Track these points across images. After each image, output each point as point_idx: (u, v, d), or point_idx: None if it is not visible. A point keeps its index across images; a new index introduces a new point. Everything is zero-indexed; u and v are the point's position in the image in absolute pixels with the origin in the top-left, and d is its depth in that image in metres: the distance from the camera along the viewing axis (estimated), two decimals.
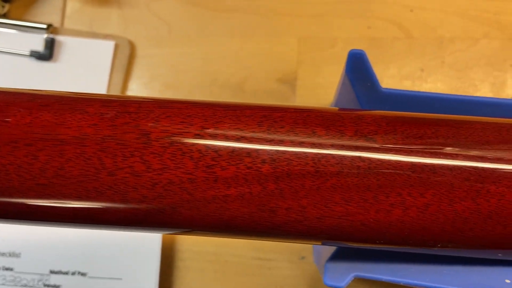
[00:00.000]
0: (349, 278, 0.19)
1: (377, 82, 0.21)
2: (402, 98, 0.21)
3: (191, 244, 0.39)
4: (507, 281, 0.19)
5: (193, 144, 0.17)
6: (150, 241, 0.38)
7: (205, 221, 0.17)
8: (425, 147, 0.18)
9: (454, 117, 0.19)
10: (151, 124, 0.16)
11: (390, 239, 0.18)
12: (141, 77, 0.43)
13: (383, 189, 0.17)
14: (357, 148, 0.17)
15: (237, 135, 0.17)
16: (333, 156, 0.17)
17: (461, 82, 0.37)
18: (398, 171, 0.17)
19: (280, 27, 0.41)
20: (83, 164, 0.16)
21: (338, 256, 0.20)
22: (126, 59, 0.44)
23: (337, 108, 0.20)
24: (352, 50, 0.21)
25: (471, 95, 0.36)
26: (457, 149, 0.18)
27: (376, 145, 0.17)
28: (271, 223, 0.17)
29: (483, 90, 0.37)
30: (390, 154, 0.17)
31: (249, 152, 0.17)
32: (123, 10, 0.45)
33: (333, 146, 0.17)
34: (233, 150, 0.17)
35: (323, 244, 0.20)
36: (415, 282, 0.19)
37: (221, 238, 0.40)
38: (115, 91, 0.43)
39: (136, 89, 0.43)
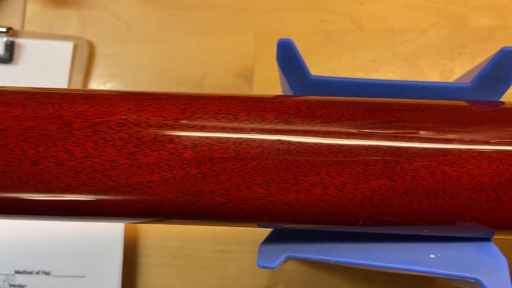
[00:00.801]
0: (281, 259, 0.20)
1: (306, 70, 0.22)
2: (331, 85, 0.22)
3: (154, 240, 0.40)
4: (432, 256, 0.20)
5: (116, 132, 0.17)
6: (112, 238, 0.39)
7: (132, 207, 0.18)
8: (341, 128, 0.18)
9: (372, 99, 0.20)
10: (74, 114, 0.17)
11: (314, 218, 0.18)
12: (101, 76, 0.43)
13: (302, 170, 0.18)
14: (277, 132, 0.18)
15: (159, 122, 0.18)
16: (254, 140, 0.18)
17: (411, 72, 0.38)
18: (316, 152, 0.18)
19: (236, 23, 0.42)
20: (7, 155, 0.16)
21: (272, 239, 0.21)
22: (85, 59, 0.44)
23: (272, 95, 0.21)
24: (280, 39, 0.22)
25: None
26: (372, 129, 0.18)
27: (295, 128, 0.18)
28: (196, 206, 0.18)
29: (433, 79, 0.38)
30: (308, 136, 0.18)
31: (171, 138, 0.17)
32: (82, 11, 0.45)
33: (254, 130, 0.18)
34: (156, 137, 0.17)
35: (258, 226, 0.21)
36: (344, 259, 0.20)
37: (183, 232, 0.41)
38: None
39: (97, 88, 0.43)
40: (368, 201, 0.18)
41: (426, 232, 0.20)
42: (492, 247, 0.20)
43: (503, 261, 0.19)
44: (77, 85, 0.43)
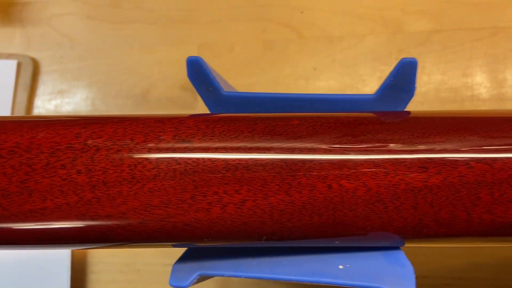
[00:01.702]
0: (193, 277, 0.20)
1: (218, 86, 0.22)
2: (245, 100, 0.22)
3: (102, 256, 0.40)
4: (341, 266, 0.20)
5: (7, 161, 0.17)
6: (59, 255, 0.38)
7: (30, 236, 0.17)
8: (240, 145, 0.18)
9: (274, 115, 0.20)
10: None
11: (216, 236, 0.19)
12: (46, 93, 0.43)
13: (200, 189, 0.18)
14: (174, 152, 0.18)
15: (52, 148, 0.17)
16: (150, 161, 0.18)
17: (351, 78, 0.39)
18: (213, 171, 0.18)
19: (179, 35, 0.42)
20: None
21: (186, 257, 0.21)
22: (29, 77, 0.44)
23: (188, 114, 0.21)
24: (189, 57, 0.22)
25: (358, 90, 0.38)
26: (270, 144, 0.19)
27: (192, 147, 0.18)
28: (95, 231, 0.18)
29: (372, 85, 0.38)
30: (206, 155, 0.18)
31: (64, 164, 0.17)
32: (26, 28, 0.45)
33: (150, 152, 0.18)
34: (48, 163, 0.17)
35: (173, 246, 0.21)
36: (253, 275, 0.20)
37: (130, 249, 0.41)
38: (20, 110, 0.43)
39: (42, 106, 0.43)
40: (268, 217, 0.18)
41: (337, 243, 0.20)
42: (400, 255, 0.20)
43: (410, 269, 0.20)
44: (22, 103, 0.43)
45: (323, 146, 0.19)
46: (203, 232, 0.18)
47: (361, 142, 0.19)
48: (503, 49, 0.37)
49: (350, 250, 0.21)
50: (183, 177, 0.18)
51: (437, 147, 0.19)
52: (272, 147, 0.19)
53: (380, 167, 0.18)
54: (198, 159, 0.18)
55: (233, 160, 0.18)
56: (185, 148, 0.18)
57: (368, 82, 0.38)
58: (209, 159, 0.18)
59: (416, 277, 0.36)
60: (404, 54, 0.38)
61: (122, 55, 0.43)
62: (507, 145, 0.19)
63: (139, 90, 0.42)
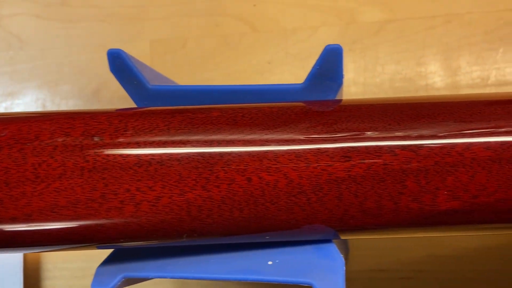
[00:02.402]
0: (116, 280, 0.19)
1: (143, 80, 0.21)
2: (171, 94, 0.21)
3: (56, 262, 0.38)
4: (270, 262, 0.19)
5: None
6: (11, 262, 0.37)
7: None
8: (154, 139, 0.18)
9: (194, 107, 0.19)
10: None
11: (133, 235, 0.18)
12: None
13: (110, 187, 0.17)
14: (81, 149, 0.17)
15: None
16: (55, 159, 0.17)
17: (305, 71, 0.38)
18: (124, 167, 0.17)
19: (131, 32, 0.41)
20: None
21: (111, 259, 0.20)
22: None
23: (115, 109, 0.20)
24: (110, 49, 0.21)
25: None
26: (187, 137, 0.18)
27: (102, 143, 0.17)
28: (4, 235, 0.17)
29: None
30: (116, 151, 0.17)
31: None
32: None
33: (55, 149, 0.17)
34: None
35: (97, 248, 0.20)
36: (180, 274, 0.19)
37: (87, 252, 0.39)
38: None
39: None
40: (186, 213, 0.17)
41: (268, 238, 0.20)
42: (331, 248, 0.20)
43: (340, 262, 0.19)
44: None
45: (243, 138, 0.18)
46: (118, 232, 0.17)
47: (283, 133, 0.18)
48: (457, 36, 0.36)
49: (281, 245, 0.20)
50: (92, 175, 0.17)
51: (361, 135, 0.18)
52: (188, 141, 0.18)
53: (301, 158, 0.18)
54: (108, 155, 0.17)
55: (146, 155, 0.17)
56: (94, 144, 0.17)
57: None
58: (120, 155, 0.17)
59: (374, 271, 0.35)
60: (358, 45, 0.37)
61: (73, 55, 0.41)
62: (432, 131, 0.18)
63: (90, 90, 0.41)
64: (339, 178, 0.18)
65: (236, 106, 0.19)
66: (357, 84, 0.37)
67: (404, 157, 0.18)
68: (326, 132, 0.18)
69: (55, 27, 0.42)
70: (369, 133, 0.18)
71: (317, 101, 0.20)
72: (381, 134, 0.18)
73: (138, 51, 0.41)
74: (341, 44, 0.38)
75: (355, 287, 0.35)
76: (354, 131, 0.18)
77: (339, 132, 0.18)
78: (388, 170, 0.18)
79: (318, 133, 0.18)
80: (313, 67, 0.20)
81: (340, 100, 0.20)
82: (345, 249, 0.34)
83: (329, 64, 0.20)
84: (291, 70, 0.38)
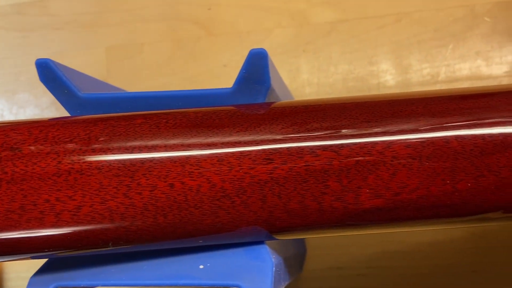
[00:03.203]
0: None
1: (73, 89, 0.21)
2: (102, 101, 0.21)
3: (20, 271, 0.38)
4: (201, 266, 0.19)
5: None
6: None
7: None
8: (74, 148, 0.18)
9: (118, 115, 0.19)
10: None
11: (57, 245, 0.18)
12: None
13: (29, 198, 0.17)
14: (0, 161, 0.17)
15: None
16: None
17: None
18: (42, 178, 0.17)
19: (87, 40, 0.41)
20: None
21: (45, 268, 0.20)
22: None
23: (48, 118, 0.20)
24: (38, 59, 0.21)
25: None
26: (107, 145, 0.18)
27: (21, 154, 0.17)
28: None
29: (283, 79, 0.38)
30: (35, 161, 0.17)
31: None
32: None
33: None
34: None
35: (31, 258, 0.20)
36: (114, 282, 0.19)
37: None
38: None
39: None
40: (109, 221, 0.17)
41: (201, 242, 0.20)
42: (262, 250, 0.20)
43: (269, 264, 0.19)
44: None
45: (165, 144, 0.18)
46: (41, 242, 0.17)
47: (206, 137, 0.18)
48: (407, 34, 0.37)
49: (215, 249, 0.20)
50: (10, 186, 0.17)
51: (283, 137, 0.18)
52: (109, 148, 0.18)
53: (223, 162, 0.18)
54: (26, 166, 0.17)
55: (65, 165, 0.17)
56: (13, 155, 0.17)
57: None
58: (39, 166, 0.17)
59: (331, 269, 0.35)
60: (311, 46, 0.38)
61: (31, 64, 0.41)
62: (353, 131, 0.18)
63: (48, 98, 0.40)
64: (261, 180, 0.18)
65: (161, 112, 0.19)
66: (312, 84, 0.38)
67: (325, 158, 0.18)
68: (249, 135, 0.18)
69: (12, 36, 0.42)
70: (291, 135, 0.18)
71: (243, 105, 0.20)
72: (303, 135, 0.18)
73: (94, 58, 0.41)
74: (295, 46, 0.38)
75: (314, 286, 0.35)
76: (277, 134, 0.18)
77: (262, 134, 0.18)
78: (310, 171, 0.18)
79: (241, 136, 0.18)
80: (240, 71, 0.20)
81: (268, 103, 0.21)
82: (302, 248, 0.35)
83: (256, 68, 0.20)
84: None
